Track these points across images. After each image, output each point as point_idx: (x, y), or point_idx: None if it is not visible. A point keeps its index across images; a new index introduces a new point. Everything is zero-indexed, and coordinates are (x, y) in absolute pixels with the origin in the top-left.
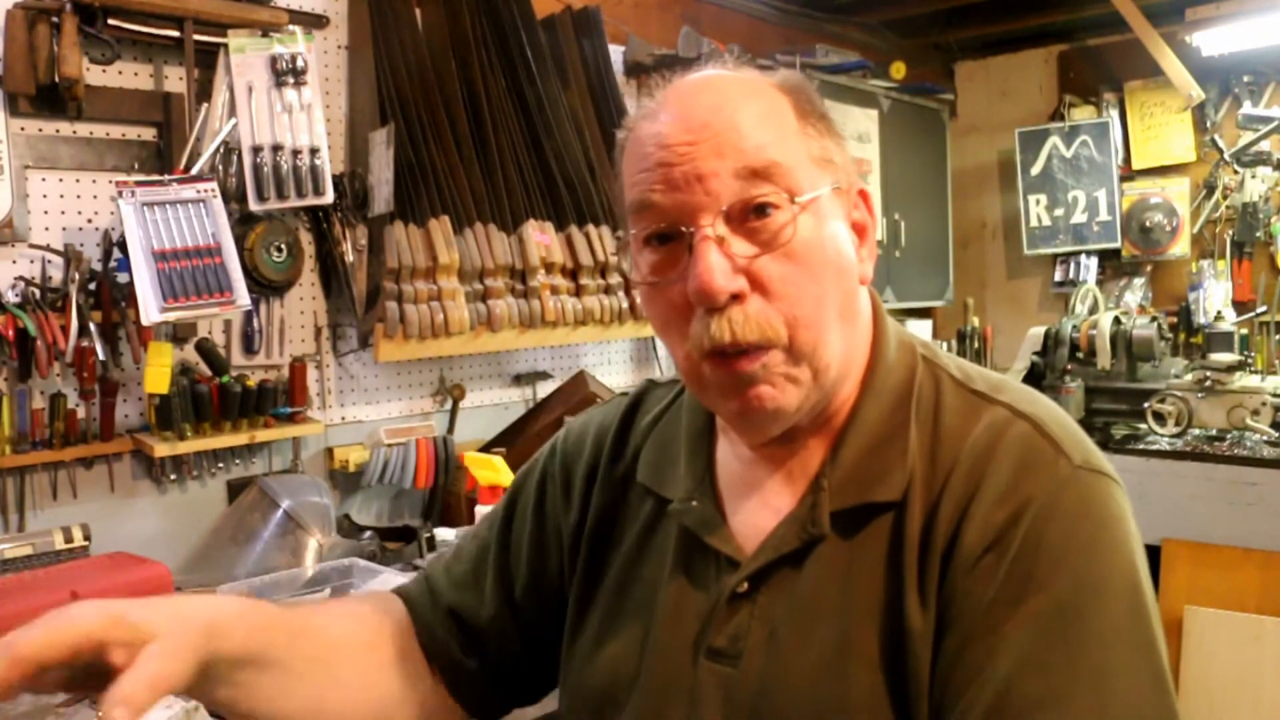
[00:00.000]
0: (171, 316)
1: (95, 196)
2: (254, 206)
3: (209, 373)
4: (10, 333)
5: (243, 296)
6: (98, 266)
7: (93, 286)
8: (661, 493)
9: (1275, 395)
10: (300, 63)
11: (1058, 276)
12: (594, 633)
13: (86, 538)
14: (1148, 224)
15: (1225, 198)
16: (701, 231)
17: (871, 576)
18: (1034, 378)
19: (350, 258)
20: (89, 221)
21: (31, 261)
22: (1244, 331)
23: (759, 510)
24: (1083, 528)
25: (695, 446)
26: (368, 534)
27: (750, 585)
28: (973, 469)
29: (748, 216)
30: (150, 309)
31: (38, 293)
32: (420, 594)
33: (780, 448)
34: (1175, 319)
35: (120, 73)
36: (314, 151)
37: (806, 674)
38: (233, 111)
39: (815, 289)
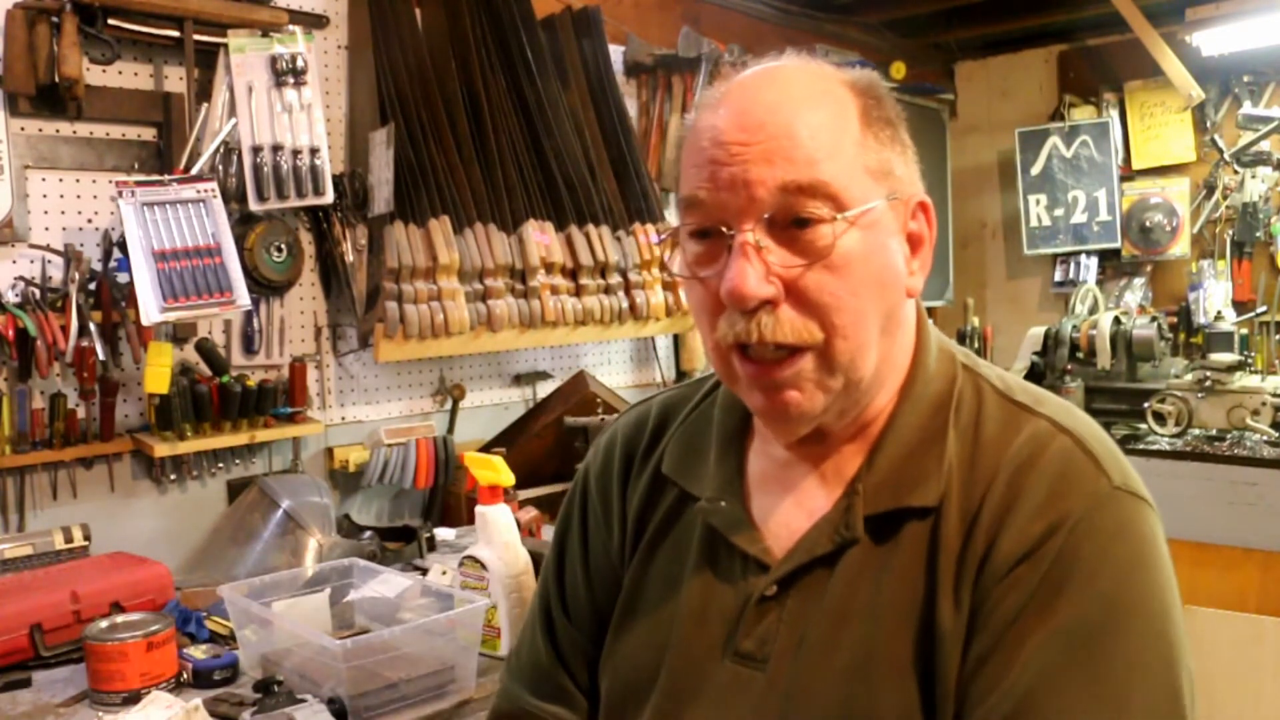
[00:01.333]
0: (171, 316)
1: (95, 196)
2: (254, 206)
3: (209, 373)
4: (10, 333)
5: (243, 296)
6: (98, 266)
7: (93, 286)
8: (686, 487)
9: (1275, 395)
10: (300, 63)
11: (1058, 276)
12: (614, 628)
13: (86, 538)
14: (1148, 224)
15: (1225, 198)
16: (741, 236)
17: (905, 581)
18: (1034, 378)
19: (350, 258)
20: (89, 221)
21: (31, 261)
22: (1244, 331)
23: (792, 511)
24: (1117, 548)
25: (727, 446)
26: (368, 534)
27: (779, 588)
28: (1013, 479)
29: (789, 226)
30: (150, 309)
31: (38, 293)
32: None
33: (817, 450)
34: (1175, 319)
35: (120, 73)
36: (314, 151)
37: (835, 679)
38: (233, 111)
39: (855, 302)
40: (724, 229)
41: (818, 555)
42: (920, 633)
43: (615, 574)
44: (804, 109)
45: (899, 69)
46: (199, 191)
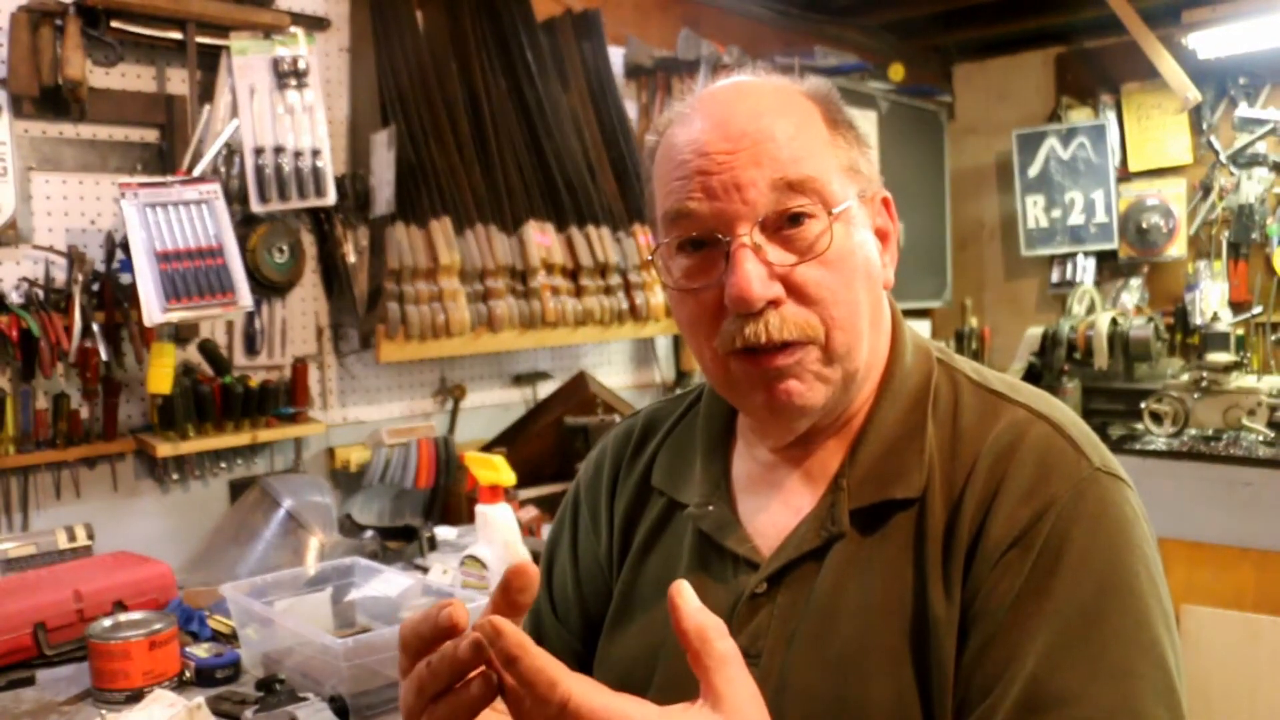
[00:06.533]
0: (174, 317)
1: (98, 198)
2: (256, 208)
3: (211, 373)
4: (14, 333)
5: (245, 297)
6: (101, 267)
7: (96, 287)
8: (675, 496)
9: (1271, 395)
10: (302, 64)
11: (1055, 277)
12: (606, 631)
13: (90, 537)
14: (1144, 225)
15: (1221, 199)
16: (739, 240)
17: (893, 572)
18: (1032, 378)
19: (352, 258)
20: (92, 223)
21: (35, 262)
22: (1240, 332)
23: (779, 511)
24: (1104, 529)
25: (711, 452)
26: (369, 533)
27: (769, 585)
28: (995, 465)
29: (783, 225)
30: (153, 309)
31: (41, 293)
32: None
33: (800, 449)
34: (1172, 320)
35: (123, 75)
36: (315, 153)
37: (827, 671)
38: (235, 113)
39: (849, 295)
40: (719, 236)
41: (806, 550)
42: (912, 622)
43: (604, 579)
44: (779, 115)
45: (897, 71)
46: (201, 193)
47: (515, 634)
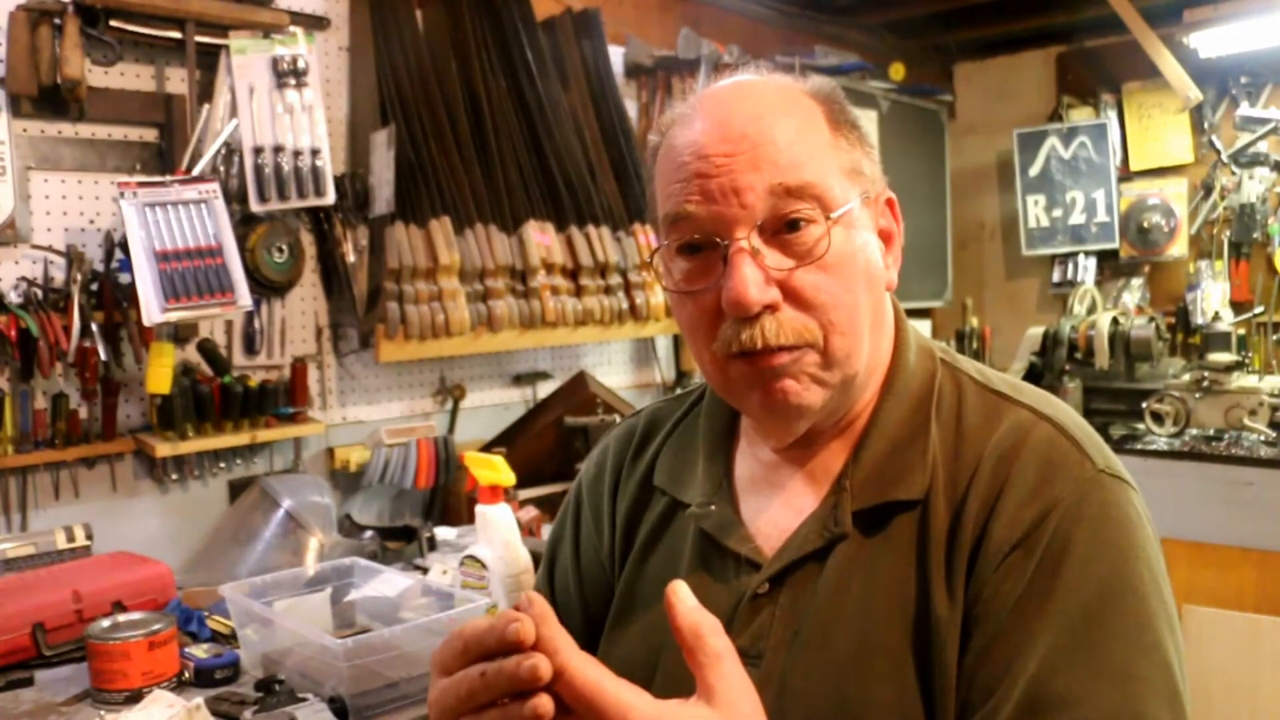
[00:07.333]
0: (173, 317)
1: (97, 197)
2: (255, 207)
3: (210, 373)
4: (13, 333)
5: (244, 297)
6: (100, 267)
7: (95, 287)
8: (677, 496)
9: (1272, 395)
10: (301, 64)
11: (1056, 277)
12: (608, 631)
13: (89, 537)
14: (1145, 225)
15: (1223, 198)
16: (736, 244)
17: (896, 573)
18: (1033, 378)
19: (351, 258)
20: (91, 222)
21: (34, 262)
22: (1241, 332)
23: (781, 511)
24: (1107, 531)
25: (713, 451)
26: (369, 534)
27: (771, 585)
28: (998, 466)
29: (781, 230)
30: (152, 309)
31: (40, 293)
32: None
33: (803, 450)
34: (1173, 319)
35: (122, 74)
36: (315, 152)
37: (830, 672)
38: (234, 112)
39: (849, 298)
40: (717, 240)
41: (808, 551)
42: (915, 623)
43: (606, 578)
44: (779, 117)
45: (898, 70)
46: (200, 192)
47: (540, 605)
